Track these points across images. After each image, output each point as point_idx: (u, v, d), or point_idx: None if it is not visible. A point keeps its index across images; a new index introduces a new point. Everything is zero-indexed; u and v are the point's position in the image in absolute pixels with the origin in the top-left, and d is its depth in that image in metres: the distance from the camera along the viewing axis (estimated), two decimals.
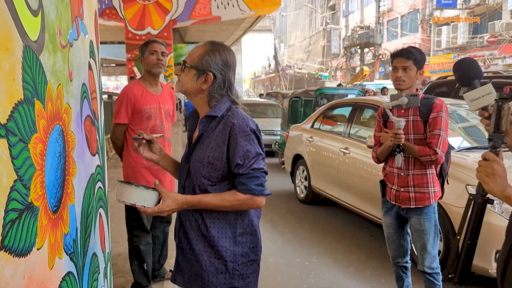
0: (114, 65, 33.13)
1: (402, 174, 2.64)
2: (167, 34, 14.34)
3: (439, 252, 3.51)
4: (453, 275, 1.36)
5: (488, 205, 3.10)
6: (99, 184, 1.96)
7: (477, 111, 1.43)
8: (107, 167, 2.79)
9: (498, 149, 1.27)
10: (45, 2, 1.26)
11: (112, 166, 7.39)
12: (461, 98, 4.60)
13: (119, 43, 21.40)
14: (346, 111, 5.53)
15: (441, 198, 2.73)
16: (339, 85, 18.08)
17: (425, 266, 2.63)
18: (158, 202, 1.57)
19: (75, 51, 1.60)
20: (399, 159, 2.53)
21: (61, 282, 1.35)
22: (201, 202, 1.59)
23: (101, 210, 1.99)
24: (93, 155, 1.85)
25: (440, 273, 2.66)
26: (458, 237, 1.39)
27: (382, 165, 2.86)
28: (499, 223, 3.06)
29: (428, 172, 2.59)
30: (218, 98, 1.67)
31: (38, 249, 1.15)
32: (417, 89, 2.67)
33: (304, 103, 8.53)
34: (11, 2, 1.02)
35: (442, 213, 3.45)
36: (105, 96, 10.71)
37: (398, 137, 2.48)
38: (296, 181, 6.45)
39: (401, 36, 30.38)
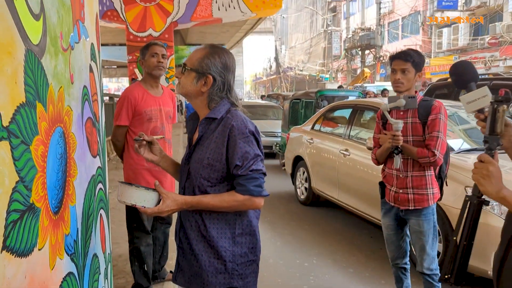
0: (115, 66, 33.20)
1: (401, 175, 2.65)
2: (168, 36, 14.38)
3: (438, 253, 3.52)
4: (449, 275, 1.38)
5: (487, 207, 3.12)
6: (100, 185, 1.98)
7: (474, 113, 1.44)
8: (108, 168, 2.81)
9: (493, 151, 1.29)
10: (47, 6, 1.28)
11: (113, 168, 7.42)
12: None
13: (121, 45, 21.47)
14: (346, 113, 5.54)
15: (440, 199, 2.75)
16: (340, 87, 18.10)
17: (424, 268, 2.65)
18: (158, 202, 1.59)
19: (76, 54, 1.62)
20: (397, 160, 2.55)
21: (62, 282, 1.36)
22: (200, 203, 1.61)
23: (102, 211, 2.01)
24: (94, 156, 1.87)
25: (439, 274, 2.67)
26: (455, 238, 1.40)
27: (381, 166, 2.88)
28: (498, 225, 3.07)
29: (426, 173, 2.61)
30: (218, 101, 1.69)
31: (39, 250, 1.17)
32: (416, 91, 2.69)
33: (304, 104, 8.55)
34: (13, 6, 1.04)
35: (442, 214, 3.46)
36: (106, 98, 10.75)
37: (396, 138, 2.50)
38: (297, 183, 6.46)
39: (402, 38, 30.40)
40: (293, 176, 6.62)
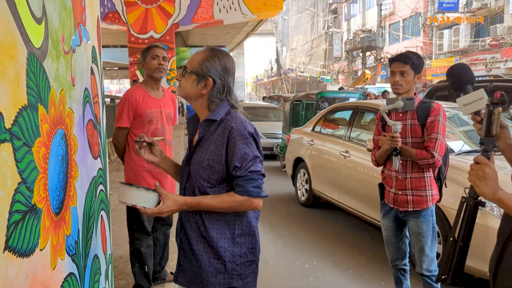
0: (116, 68, 33.26)
1: (400, 177, 2.67)
2: (169, 37, 14.41)
3: (438, 254, 3.53)
4: (446, 276, 1.40)
5: (486, 208, 3.13)
6: (101, 186, 2.00)
7: (470, 116, 1.46)
8: (109, 170, 2.83)
9: (489, 153, 1.30)
10: (49, 10, 1.30)
11: (114, 169, 7.44)
12: None
13: (122, 46, 21.52)
14: (346, 115, 5.56)
15: (439, 201, 2.76)
16: (341, 88, 18.12)
17: (423, 269, 2.66)
18: (159, 203, 1.61)
19: (77, 56, 1.64)
20: (396, 162, 2.56)
21: (63, 282, 1.38)
22: (200, 204, 1.62)
23: (102, 213, 2.02)
24: (95, 158, 1.89)
25: None
26: (451, 239, 1.42)
27: (381, 168, 2.89)
28: (497, 226, 3.06)
29: (425, 175, 2.62)
30: (218, 103, 1.71)
31: (41, 250, 1.18)
32: (415, 93, 2.70)
33: (305, 106, 8.56)
34: (16, 10, 1.06)
35: (441, 216, 3.47)
36: (107, 100, 10.78)
37: (394, 140, 2.52)
38: (297, 184, 6.48)
39: (402, 40, 30.43)
40: (293, 177, 6.64)
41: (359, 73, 30.43)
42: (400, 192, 2.66)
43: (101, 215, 1.99)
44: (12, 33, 1.03)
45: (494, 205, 3.11)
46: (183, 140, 12.49)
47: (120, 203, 1.65)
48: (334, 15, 42.88)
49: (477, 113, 1.41)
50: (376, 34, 30.52)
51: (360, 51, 32.82)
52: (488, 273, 3.14)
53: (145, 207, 1.59)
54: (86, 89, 1.76)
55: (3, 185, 0.97)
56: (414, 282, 3.31)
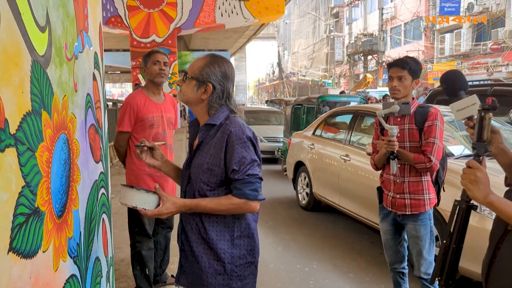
0: (119, 72, 33.41)
1: (398, 181, 2.69)
2: (171, 41, 14.48)
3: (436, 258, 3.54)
4: (439, 278, 1.42)
5: (485, 212, 3.15)
6: (103, 190, 2.03)
7: (464, 121, 1.49)
8: (111, 174, 2.87)
9: (481, 157, 1.33)
10: (52, 18, 1.34)
11: (116, 173, 7.47)
12: None
13: (124, 50, 21.62)
14: (347, 119, 5.59)
15: (437, 205, 2.79)
16: (342, 92, 18.14)
17: (421, 272, 2.68)
18: (159, 205, 1.65)
19: (80, 63, 1.68)
20: (393, 165, 2.59)
21: (65, 284, 1.41)
22: (199, 206, 1.66)
23: (104, 216, 2.06)
24: (97, 162, 1.92)
25: None
26: (444, 241, 1.44)
27: (380, 172, 2.92)
28: None
29: (423, 179, 2.65)
30: (217, 108, 1.75)
31: (43, 252, 1.21)
32: (413, 98, 2.73)
33: (306, 110, 8.59)
34: (21, 20, 1.10)
35: (440, 219, 3.49)
36: (110, 104, 10.83)
37: (391, 144, 2.55)
38: (298, 188, 6.50)
39: (404, 44, 30.48)
40: (294, 181, 6.66)
41: (361, 76, 30.47)
42: (398, 196, 2.69)
43: (103, 218, 2.03)
44: (17, 41, 1.07)
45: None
46: (185, 144, 12.53)
47: (122, 206, 1.69)
48: (336, 19, 42.98)
49: (470, 118, 1.44)
50: (378, 38, 30.58)
51: (361, 55, 32.87)
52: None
53: (145, 209, 1.62)
54: (88, 94, 1.80)
55: (8, 189, 1.01)
56: (413, 285, 3.33)
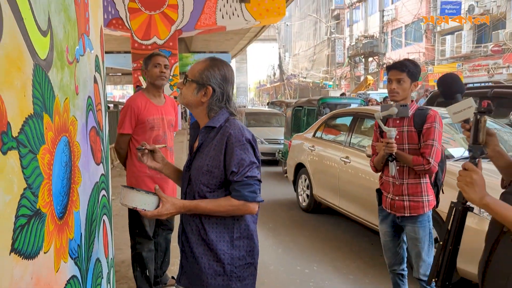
0: (120, 74, 33.45)
1: (397, 183, 2.71)
2: (172, 44, 14.52)
3: None
4: (436, 279, 1.44)
5: (485, 214, 3.16)
6: (103, 192, 2.05)
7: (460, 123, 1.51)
8: (112, 175, 2.89)
9: (477, 160, 1.35)
10: (54, 22, 1.36)
11: (117, 175, 7.49)
12: None
13: (125, 52, 21.66)
14: (347, 121, 5.60)
15: (436, 207, 2.80)
16: (342, 94, 18.16)
17: (420, 274, 2.69)
18: (159, 206, 1.67)
19: (81, 66, 1.70)
20: (392, 167, 2.61)
21: (65, 285, 1.43)
22: (198, 207, 1.68)
23: (104, 217, 2.08)
24: (98, 164, 1.94)
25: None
26: (441, 243, 1.46)
27: (380, 174, 2.93)
28: None
29: (422, 181, 2.66)
30: (217, 110, 1.77)
31: (45, 253, 1.23)
32: (412, 100, 2.75)
33: (307, 112, 8.61)
34: (23, 24, 1.12)
35: (440, 221, 3.50)
36: (111, 105, 10.86)
37: (389, 146, 2.56)
38: (298, 190, 6.51)
39: (405, 45, 30.50)
40: (295, 183, 6.67)
41: (362, 78, 30.50)
42: (397, 198, 2.70)
43: (103, 219, 2.04)
44: (19, 45, 1.09)
45: None
46: (186, 145, 12.55)
47: (123, 207, 1.71)
48: (337, 21, 43.03)
49: (466, 121, 1.46)
50: (379, 40, 30.61)
51: (362, 56, 32.90)
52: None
53: (145, 210, 1.64)
54: (89, 97, 1.82)
55: (10, 191, 1.03)
56: (413, 287, 3.33)
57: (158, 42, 14.28)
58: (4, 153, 0.99)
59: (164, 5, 14.28)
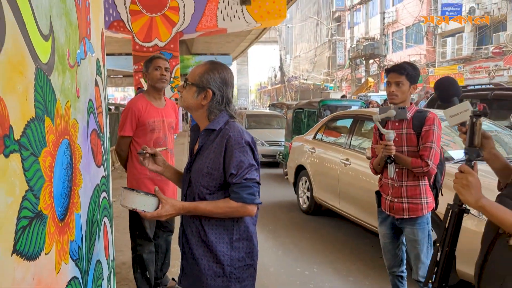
0: (121, 76, 33.53)
1: (396, 185, 2.72)
2: (173, 46, 14.55)
3: None
4: (432, 280, 1.45)
5: (484, 216, 3.17)
6: (104, 194, 2.07)
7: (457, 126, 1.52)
8: (113, 177, 2.90)
9: (473, 162, 1.36)
10: (56, 27, 1.38)
11: (118, 177, 7.51)
12: None
13: (127, 54, 21.72)
14: (347, 123, 5.62)
15: (435, 209, 2.81)
16: (343, 96, 18.17)
17: (419, 276, 2.70)
18: (158, 207, 1.68)
19: (82, 69, 1.72)
20: (391, 169, 2.62)
21: (66, 286, 1.44)
22: (197, 208, 1.70)
23: (105, 219, 2.09)
24: (98, 166, 1.96)
25: None
26: (438, 245, 1.47)
27: (379, 176, 2.95)
28: None
29: (421, 183, 2.68)
30: (217, 113, 1.79)
31: (46, 254, 1.25)
32: (411, 103, 2.77)
33: (307, 114, 8.62)
34: (25, 29, 1.14)
35: (439, 223, 3.51)
36: (112, 108, 10.88)
37: (388, 148, 2.58)
38: (299, 192, 6.52)
39: (406, 48, 30.52)
40: (295, 185, 6.68)
41: (363, 80, 30.52)
42: (396, 200, 2.72)
43: (104, 221, 2.06)
44: (21, 50, 1.11)
45: None
46: (187, 147, 12.56)
47: (124, 209, 1.72)
48: (338, 23, 43.08)
49: (463, 124, 1.48)
50: (379, 42, 30.66)
51: (363, 58, 32.94)
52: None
53: (145, 211, 1.66)
54: (90, 100, 1.83)
55: (12, 193, 1.04)
56: None
57: (159, 44, 14.31)
58: (7, 156, 1.01)
59: (165, 7, 14.33)
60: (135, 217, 2.96)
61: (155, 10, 14.24)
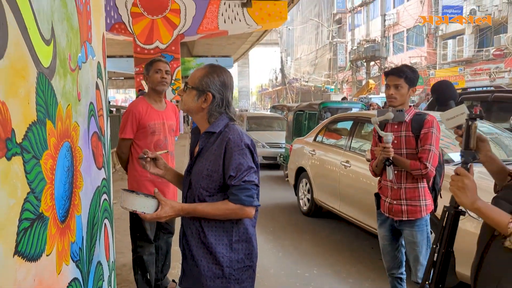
0: (122, 78, 33.59)
1: (395, 187, 2.74)
2: (175, 48, 14.59)
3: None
4: (429, 282, 1.46)
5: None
6: (105, 196, 2.09)
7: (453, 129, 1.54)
8: (114, 179, 2.92)
9: (469, 165, 1.38)
10: (57, 31, 1.40)
11: (119, 179, 7.53)
12: None
13: (128, 56, 21.78)
14: (347, 125, 5.63)
15: (434, 211, 2.82)
16: (344, 98, 18.18)
17: (418, 277, 2.71)
18: (158, 209, 1.70)
19: (83, 73, 1.74)
20: (389, 172, 2.64)
21: (67, 287, 1.46)
22: (196, 210, 1.72)
23: (106, 221, 2.11)
24: (99, 169, 1.98)
25: None
26: (434, 246, 1.49)
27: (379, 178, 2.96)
28: None
29: (419, 185, 2.69)
30: (217, 116, 1.81)
31: (47, 255, 1.26)
32: (410, 106, 2.78)
33: (308, 116, 8.64)
34: (27, 34, 1.15)
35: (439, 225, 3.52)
36: (113, 110, 10.91)
37: (386, 151, 2.59)
38: (299, 194, 6.53)
39: (407, 50, 30.53)
40: (296, 187, 6.70)
41: (363, 82, 30.54)
42: (395, 202, 2.73)
43: (105, 223, 2.08)
44: (23, 55, 1.13)
45: None
46: (188, 149, 12.57)
47: (124, 211, 1.74)
48: (339, 25, 43.13)
49: (459, 127, 1.49)
50: (380, 44, 30.67)
51: (364, 61, 32.96)
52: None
53: (144, 212, 1.68)
54: (91, 103, 1.85)
55: (14, 195, 1.06)
56: None
57: (160, 47, 14.35)
58: (9, 159, 1.03)
59: (166, 9, 14.38)
60: (135, 219, 2.98)
61: (156, 13, 14.29)
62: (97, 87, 2.00)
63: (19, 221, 1.09)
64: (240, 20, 14.95)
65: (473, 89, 8.69)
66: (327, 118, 7.22)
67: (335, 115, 6.53)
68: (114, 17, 14.01)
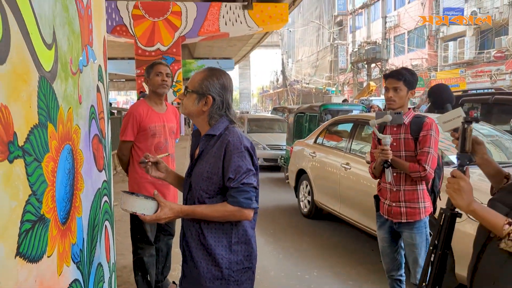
0: (124, 80, 33.68)
1: (394, 189, 2.75)
2: (176, 50, 14.63)
3: None
4: (426, 283, 1.48)
5: None
6: (105, 198, 2.10)
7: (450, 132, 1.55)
8: (115, 181, 2.94)
9: (465, 167, 1.39)
10: (58, 35, 1.42)
11: (120, 181, 7.55)
12: None
13: (129, 58, 21.85)
14: (347, 127, 5.65)
15: (433, 213, 2.83)
16: (344, 100, 18.20)
17: (417, 279, 2.72)
18: (157, 211, 1.72)
19: (84, 76, 1.75)
20: (388, 174, 2.65)
21: None
22: (195, 212, 1.74)
23: (106, 223, 2.12)
24: (100, 171, 1.99)
25: None
26: (431, 248, 1.50)
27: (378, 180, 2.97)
28: None
29: (418, 188, 2.70)
30: (217, 118, 1.83)
31: (48, 257, 1.28)
32: (409, 109, 2.80)
33: (308, 118, 8.65)
34: (29, 39, 1.17)
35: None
36: (115, 112, 10.93)
37: (385, 153, 2.61)
38: (300, 196, 6.54)
39: (407, 52, 30.55)
40: (296, 189, 6.71)
41: (364, 84, 30.55)
42: (394, 204, 2.74)
43: (105, 225, 2.09)
44: (25, 59, 1.15)
45: None
46: (188, 151, 12.58)
47: (125, 213, 1.76)
48: (340, 27, 43.18)
49: (455, 130, 1.51)
50: (381, 46, 30.71)
51: (365, 62, 32.99)
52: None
53: (144, 214, 1.69)
54: (92, 106, 1.87)
55: (16, 197, 1.08)
56: None
57: (161, 49, 14.39)
58: (11, 162, 1.05)
59: (167, 12, 14.42)
60: (136, 220, 3.00)
61: (157, 15, 14.34)
62: (98, 90, 2.02)
63: (21, 222, 1.10)
64: (241, 22, 14.99)
65: (474, 91, 8.70)
66: (327, 120, 7.23)
67: (336, 117, 6.54)
68: (116, 20, 14.05)
